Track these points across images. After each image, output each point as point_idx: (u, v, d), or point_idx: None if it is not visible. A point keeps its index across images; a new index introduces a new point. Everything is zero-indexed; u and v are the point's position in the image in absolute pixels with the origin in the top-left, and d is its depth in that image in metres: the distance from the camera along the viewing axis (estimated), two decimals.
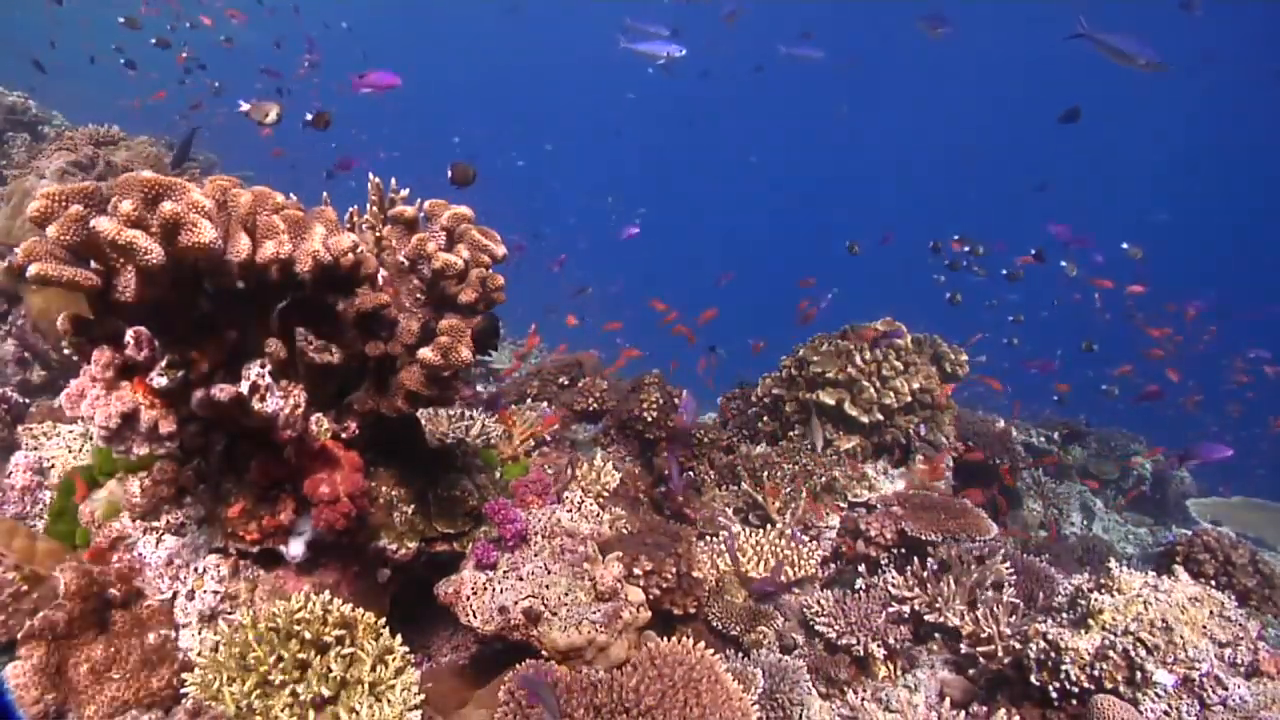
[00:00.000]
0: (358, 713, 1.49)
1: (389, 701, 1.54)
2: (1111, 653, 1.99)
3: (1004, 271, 4.74)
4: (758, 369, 4.12)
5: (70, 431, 2.46)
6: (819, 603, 2.55)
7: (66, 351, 1.51)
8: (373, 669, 1.57)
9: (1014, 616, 2.32)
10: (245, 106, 2.86)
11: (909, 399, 3.63)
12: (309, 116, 3.14)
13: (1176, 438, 5.88)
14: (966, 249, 4.63)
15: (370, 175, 1.98)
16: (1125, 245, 5.16)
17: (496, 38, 23.44)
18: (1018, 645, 2.20)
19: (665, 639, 1.92)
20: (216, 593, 1.72)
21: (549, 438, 3.05)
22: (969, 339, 4.82)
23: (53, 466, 2.28)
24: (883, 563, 2.80)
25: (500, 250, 1.88)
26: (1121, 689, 1.97)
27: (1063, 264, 4.77)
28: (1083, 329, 5.54)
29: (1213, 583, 2.44)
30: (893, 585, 2.56)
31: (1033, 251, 4.63)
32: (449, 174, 2.55)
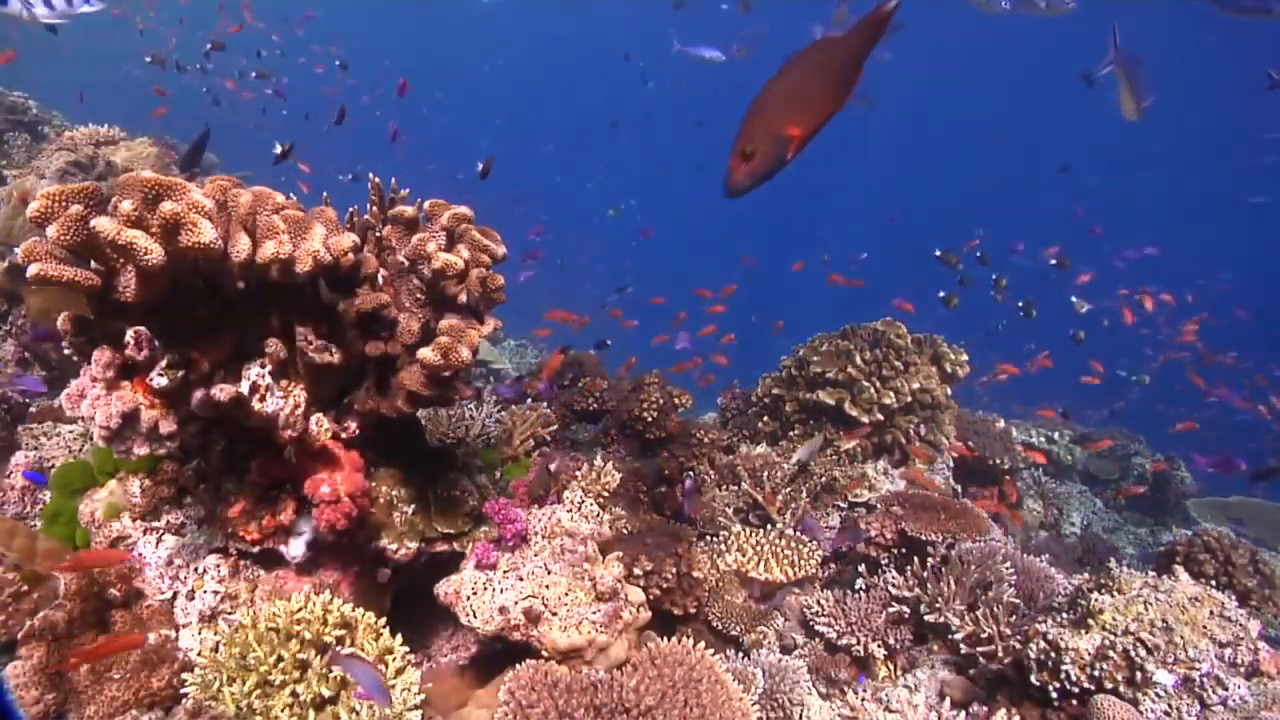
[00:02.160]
0: (358, 713, 1.49)
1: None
2: (1112, 653, 1.99)
3: (997, 289, 4.74)
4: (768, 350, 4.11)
5: (70, 431, 2.46)
6: (819, 603, 2.55)
7: (67, 351, 1.51)
8: None
9: (1014, 616, 2.32)
10: (279, 149, 3.08)
11: (909, 399, 3.63)
12: (336, 119, 3.34)
13: (1180, 437, 5.87)
14: (978, 254, 4.60)
15: (370, 175, 1.98)
16: (1143, 295, 5.25)
17: (501, 32, 23.43)
18: (1018, 645, 2.20)
19: (665, 639, 1.91)
20: (216, 593, 1.73)
21: (549, 438, 3.05)
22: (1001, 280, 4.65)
23: (53, 466, 2.28)
24: (883, 563, 2.80)
25: (500, 250, 1.88)
26: (1122, 689, 1.96)
27: (1073, 300, 4.77)
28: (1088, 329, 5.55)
29: (1213, 583, 2.44)
30: (893, 585, 2.56)
31: (1053, 261, 4.66)
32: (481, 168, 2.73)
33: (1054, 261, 4.63)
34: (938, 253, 4.48)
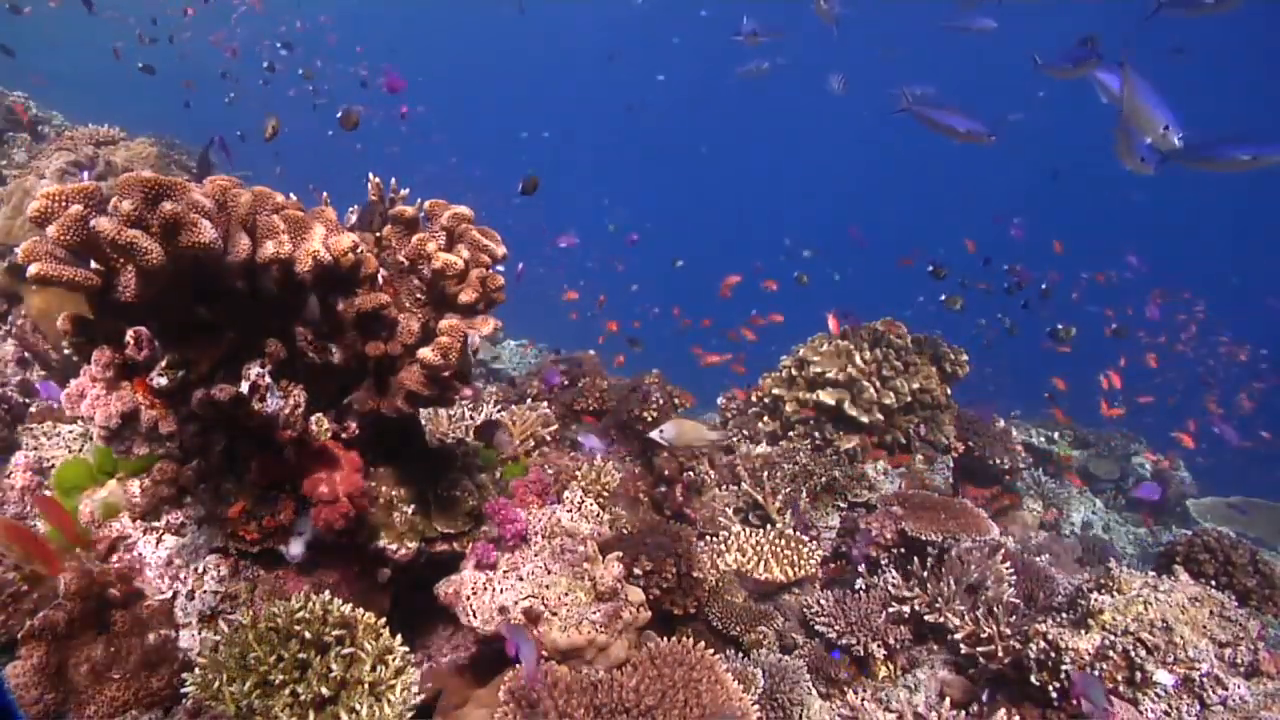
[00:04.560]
0: (358, 713, 1.49)
1: (389, 701, 1.54)
2: (1112, 653, 1.99)
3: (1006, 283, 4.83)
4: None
5: (70, 431, 2.46)
6: (819, 603, 2.55)
7: (66, 351, 1.51)
8: (373, 669, 1.56)
9: (1014, 616, 2.32)
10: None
11: (909, 399, 3.63)
12: (339, 114, 3.29)
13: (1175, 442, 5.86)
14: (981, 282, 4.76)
15: (370, 175, 1.98)
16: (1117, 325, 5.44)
17: (503, 31, 23.43)
18: (1018, 645, 2.20)
19: (665, 639, 1.91)
20: (216, 593, 1.72)
21: (549, 437, 3.05)
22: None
23: (53, 466, 2.28)
24: (883, 563, 2.80)
25: (500, 250, 1.88)
26: (1122, 689, 1.97)
27: (1058, 327, 4.89)
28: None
29: (1213, 583, 2.44)
30: (893, 585, 2.56)
31: (1044, 286, 4.82)
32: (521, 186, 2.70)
33: (1044, 286, 4.85)
34: (930, 267, 4.66)
